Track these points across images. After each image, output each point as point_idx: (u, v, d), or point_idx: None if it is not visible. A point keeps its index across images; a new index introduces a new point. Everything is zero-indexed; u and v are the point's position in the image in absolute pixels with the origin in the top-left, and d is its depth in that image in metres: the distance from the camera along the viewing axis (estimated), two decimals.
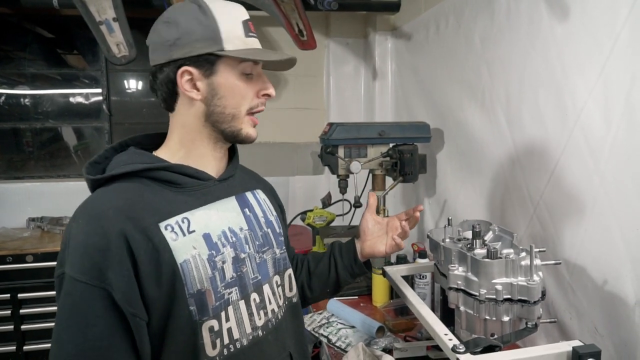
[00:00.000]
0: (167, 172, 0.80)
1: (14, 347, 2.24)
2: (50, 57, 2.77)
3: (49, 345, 0.71)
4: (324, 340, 1.42)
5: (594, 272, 1.05)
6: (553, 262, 0.96)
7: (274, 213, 0.96)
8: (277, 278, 0.91)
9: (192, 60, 0.79)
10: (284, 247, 0.95)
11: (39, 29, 2.72)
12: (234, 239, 0.83)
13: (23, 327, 2.24)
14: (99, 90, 2.76)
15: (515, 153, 1.35)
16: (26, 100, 2.73)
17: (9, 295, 2.22)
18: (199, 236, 0.78)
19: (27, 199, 2.63)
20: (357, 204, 1.67)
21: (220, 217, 0.83)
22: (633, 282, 0.96)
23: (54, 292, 0.73)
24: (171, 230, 0.75)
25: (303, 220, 2.04)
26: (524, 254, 0.92)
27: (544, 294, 0.91)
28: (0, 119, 2.70)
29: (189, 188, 0.81)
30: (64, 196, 2.58)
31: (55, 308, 0.72)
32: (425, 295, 1.48)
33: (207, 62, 0.79)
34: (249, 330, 0.82)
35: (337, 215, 1.99)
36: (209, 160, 0.86)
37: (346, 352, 1.28)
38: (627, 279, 0.97)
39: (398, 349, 1.24)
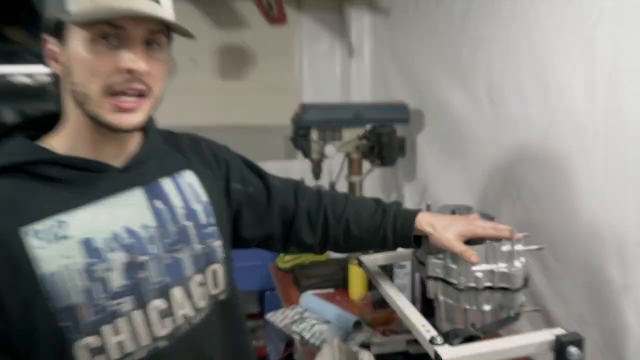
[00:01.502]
0: (47, 166, 0.71)
1: None
2: None
3: None
4: (297, 337, 1.42)
5: (580, 257, 1.08)
6: (535, 247, 0.97)
7: (203, 199, 0.86)
8: (198, 277, 0.83)
9: (48, 28, 0.70)
10: (210, 239, 0.86)
11: None
12: (130, 240, 0.75)
13: None
14: (45, 70, 2.66)
15: (499, 134, 1.36)
16: None
17: None
18: (75, 242, 0.70)
19: None
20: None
21: (113, 215, 0.74)
22: (619, 268, 0.98)
23: None
24: (36, 235, 0.67)
25: None
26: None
27: (526, 280, 0.92)
28: None
29: (75, 183, 0.73)
30: None
31: None
32: (405, 286, 1.48)
33: (58, 29, 0.69)
34: (146, 341, 0.76)
35: None
36: (104, 147, 0.76)
37: (320, 348, 1.28)
38: (613, 265, 0.99)
39: (376, 343, 1.25)
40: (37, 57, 2.59)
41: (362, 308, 1.54)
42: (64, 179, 0.72)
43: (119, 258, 0.73)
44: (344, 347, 1.21)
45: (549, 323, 1.19)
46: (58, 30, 0.70)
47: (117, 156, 0.77)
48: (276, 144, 2.70)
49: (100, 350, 0.72)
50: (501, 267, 0.90)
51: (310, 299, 1.58)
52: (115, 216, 0.74)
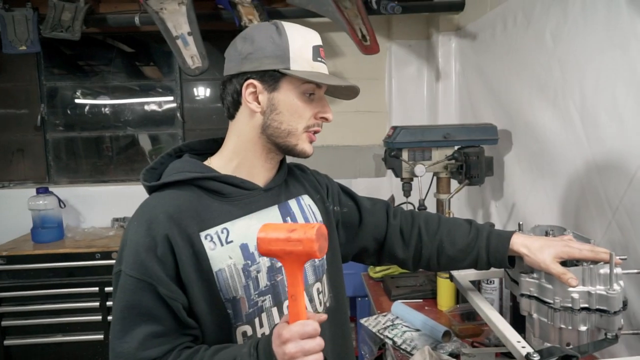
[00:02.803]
0: (215, 182, 0.84)
1: (102, 337, 2.45)
2: (130, 69, 3.00)
3: None
4: (389, 342, 1.43)
5: None
6: (636, 271, 0.90)
7: (319, 218, 0.96)
8: (318, 285, 0.92)
9: (258, 75, 0.83)
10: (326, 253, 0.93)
11: (121, 44, 2.95)
12: None
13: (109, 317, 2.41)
14: (173, 99, 2.94)
15: (591, 154, 1.28)
16: (107, 109, 2.98)
17: (97, 288, 2.44)
18: (236, 246, 0.82)
19: (111, 200, 2.86)
20: (421, 207, 1.66)
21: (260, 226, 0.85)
22: None
23: None
24: (210, 239, 0.80)
25: None
26: (602, 262, 0.88)
27: (625, 304, 0.86)
28: (85, 128, 2.96)
29: (234, 197, 0.85)
30: (142, 198, 2.77)
31: None
32: (493, 300, 1.44)
33: (272, 78, 0.83)
34: None
35: None
36: (259, 171, 0.89)
37: (412, 355, 1.28)
38: None
39: (466, 354, 1.22)
40: (167, 90, 2.92)
41: (450, 319, 1.51)
42: (226, 193, 0.84)
43: (264, 262, 0.84)
44: (435, 355, 1.20)
45: None
46: (270, 79, 0.83)
47: (262, 179, 0.90)
48: (367, 162, 2.75)
49: (251, 338, 0.82)
50: (599, 289, 0.85)
51: (400, 307, 1.58)
52: None
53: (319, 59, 0.86)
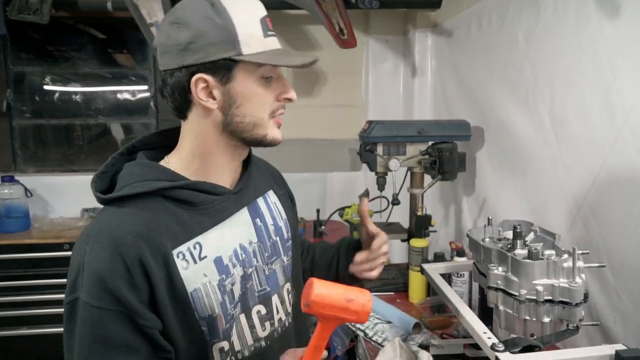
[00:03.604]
0: (184, 191, 0.74)
1: None
2: (102, 56, 2.90)
3: None
4: (361, 334, 1.45)
5: None
6: (597, 264, 0.94)
7: (284, 216, 0.91)
8: (288, 285, 0.88)
9: (206, 67, 0.71)
10: (290, 252, 0.90)
11: (93, 30, 2.85)
12: (243, 256, 0.80)
13: None
14: (147, 88, 2.87)
15: (559, 153, 1.32)
16: (78, 97, 2.88)
17: (64, 280, 2.35)
18: (210, 262, 0.75)
19: (82, 190, 2.77)
20: (395, 202, 1.68)
21: (232, 234, 0.79)
22: None
23: None
24: (182, 258, 0.72)
25: (341, 216, 2.07)
26: (566, 255, 0.91)
27: (586, 296, 0.90)
28: (54, 115, 2.86)
29: (204, 206, 0.76)
30: None
31: None
32: (462, 293, 1.47)
33: (224, 68, 0.71)
34: (250, 342, 0.81)
35: (375, 212, 2.01)
36: (224, 171, 0.80)
37: (383, 346, 1.30)
38: None
39: (435, 345, 1.25)
40: (140, 79, 2.84)
41: (421, 311, 1.54)
42: (196, 203, 0.75)
43: (238, 272, 0.79)
44: (405, 347, 1.22)
45: (606, 339, 1.13)
46: (223, 70, 0.71)
47: (229, 180, 0.82)
48: (342, 156, 2.75)
49: (227, 353, 0.78)
50: (562, 282, 0.88)
51: (373, 300, 1.59)
52: (234, 235, 0.80)
53: (269, 33, 0.74)
